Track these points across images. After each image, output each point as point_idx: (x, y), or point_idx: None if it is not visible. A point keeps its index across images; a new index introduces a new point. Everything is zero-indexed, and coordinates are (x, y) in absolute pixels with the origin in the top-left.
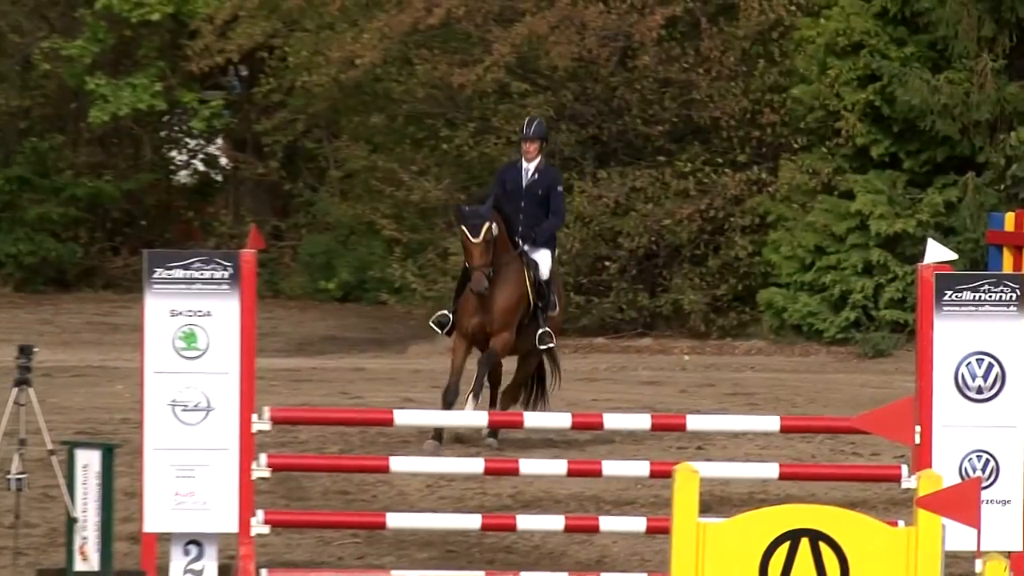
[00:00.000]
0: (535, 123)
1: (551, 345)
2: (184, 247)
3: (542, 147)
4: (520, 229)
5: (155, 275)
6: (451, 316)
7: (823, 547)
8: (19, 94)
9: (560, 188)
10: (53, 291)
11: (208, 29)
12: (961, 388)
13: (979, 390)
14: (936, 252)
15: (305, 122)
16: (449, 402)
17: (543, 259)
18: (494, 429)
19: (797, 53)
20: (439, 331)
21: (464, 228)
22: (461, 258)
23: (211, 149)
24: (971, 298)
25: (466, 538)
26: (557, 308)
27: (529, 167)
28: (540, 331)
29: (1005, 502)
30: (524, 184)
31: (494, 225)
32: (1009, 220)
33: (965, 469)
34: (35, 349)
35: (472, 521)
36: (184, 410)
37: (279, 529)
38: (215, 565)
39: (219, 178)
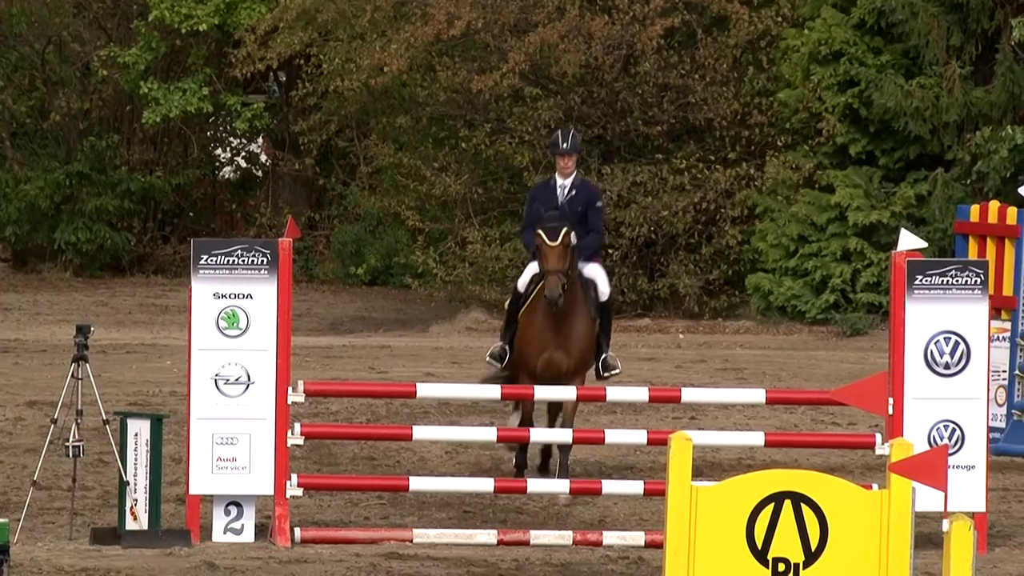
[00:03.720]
0: (570, 135)
1: (616, 372)
2: (227, 236)
3: (578, 161)
4: None
5: (201, 261)
6: (507, 349)
7: (804, 508)
8: (80, 98)
9: (600, 204)
10: (109, 276)
11: (250, 39)
12: (930, 364)
13: (946, 366)
14: (908, 241)
15: (338, 123)
16: (521, 467)
17: (600, 277)
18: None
19: (783, 61)
20: (497, 365)
21: (541, 232)
22: (479, 246)
23: (252, 147)
24: (939, 282)
25: (481, 500)
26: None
27: (565, 183)
28: (603, 356)
29: (970, 467)
30: (560, 203)
31: (572, 233)
32: (975, 212)
33: (933, 437)
34: (92, 329)
35: (486, 484)
36: (226, 383)
37: (311, 492)
38: (253, 524)
39: (259, 173)
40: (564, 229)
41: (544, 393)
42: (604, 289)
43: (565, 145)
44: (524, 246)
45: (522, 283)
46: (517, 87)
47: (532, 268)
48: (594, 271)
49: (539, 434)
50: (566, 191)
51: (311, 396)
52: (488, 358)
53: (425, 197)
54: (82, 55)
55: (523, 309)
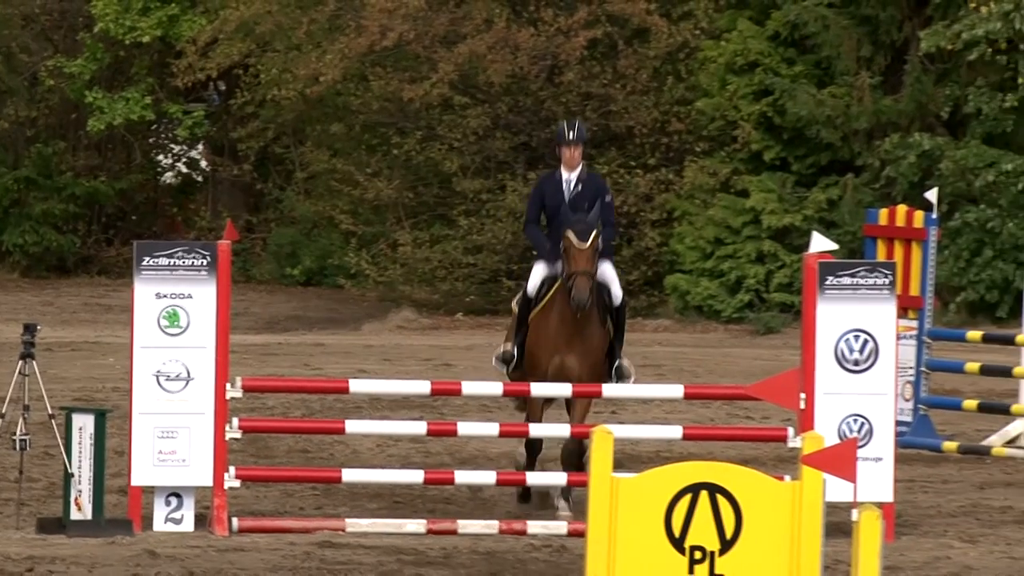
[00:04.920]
0: (576, 125)
1: (632, 380)
2: (168, 239)
3: (584, 153)
4: None
5: (143, 263)
6: (516, 353)
7: (720, 498)
8: (27, 106)
9: (609, 198)
10: (55, 277)
11: (191, 50)
12: (840, 361)
13: (856, 363)
14: (819, 243)
15: (275, 130)
16: (532, 461)
17: (613, 280)
18: (568, 489)
19: (701, 71)
20: (503, 369)
21: (571, 233)
22: (410, 248)
23: (193, 154)
24: (849, 283)
25: (411, 491)
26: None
27: (571, 177)
28: (617, 363)
29: (878, 459)
30: (567, 197)
31: (601, 237)
32: (883, 215)
33: (843, 431)
34: (38, 327)
35: (416, 476)
36: (167, 380)
37: (248, 483)
38: (192, 514)
39: (199, 179)
40: (595, 231)
41: (470, 389)
42: (617, 292)
43: (572, 135)
44: (530, 241)
45: (532, 286)
46: (447, 96)
47: (541, 270)
48: (607, 273)
49: (466, 428)
50: (572, 185)
51: (248, 392)
52: (495, 362)
53: (358, 201)
54: (30, 65)
55: (535, 312)
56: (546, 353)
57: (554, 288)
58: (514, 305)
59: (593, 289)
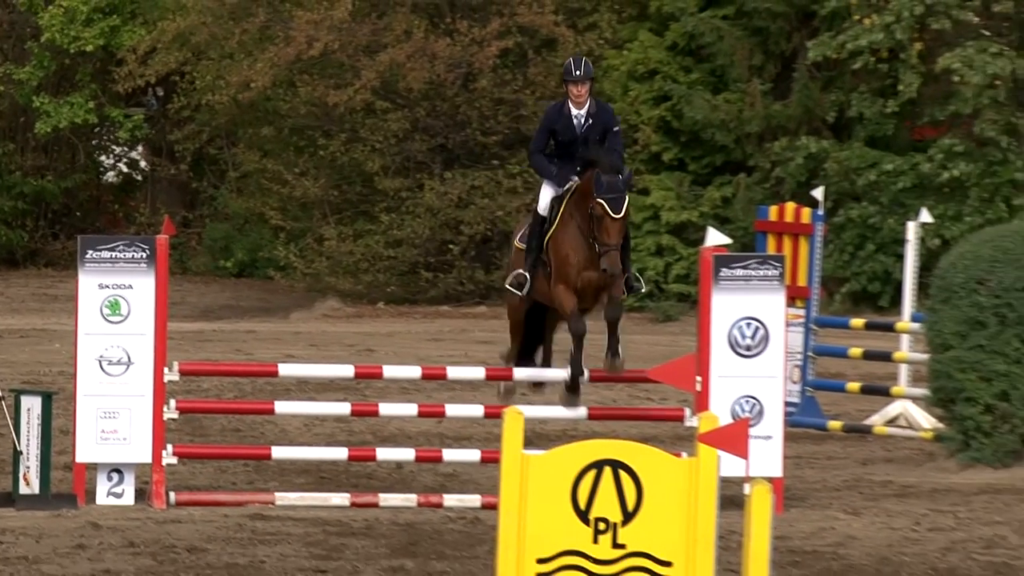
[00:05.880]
0: (582, 62)
1: (642, 290)
2: (111, 234)
3: (591, 89)
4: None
5: (87, 256)
6: (527, 276)
7: (622, 474)
8: None
9: (617, 128)
10: (4, 269)
11: (131, 58)
12: (733, 346)
13: (748, 348)
14: (714, 237)
15: (209, 133)
16: (581, 333)
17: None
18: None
19: (605, 78)
20: (518, 293)
21: (604, 203)
22: (335, 242)
23: (133, 154)
24: (742, 274)
25: (336, 467)
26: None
27: (580, 113)
28: (627, 275)
29: (768, 437)
30: (580, 132)
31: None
32: (773, 212)
33: (736, 411)
34: None
35: (340, 453)
36: (109, 364)
37: (185, 460)
38: (133, 489)
39: (139, 178)
40: (626, 201)
41: (391, 372)
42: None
43: (578, 72)
44: (536, 167)
45: (543, 207)
46: (369, 101)
47: (549, 191)
48: None
49: (387, 408)
50: (583, 120)
51: (185, 375)
52: (508, 286)
53: (287, 199)
54: None
55: (551, 234)
56: (573, 268)
57: (564, 203)
58: (517, 242)
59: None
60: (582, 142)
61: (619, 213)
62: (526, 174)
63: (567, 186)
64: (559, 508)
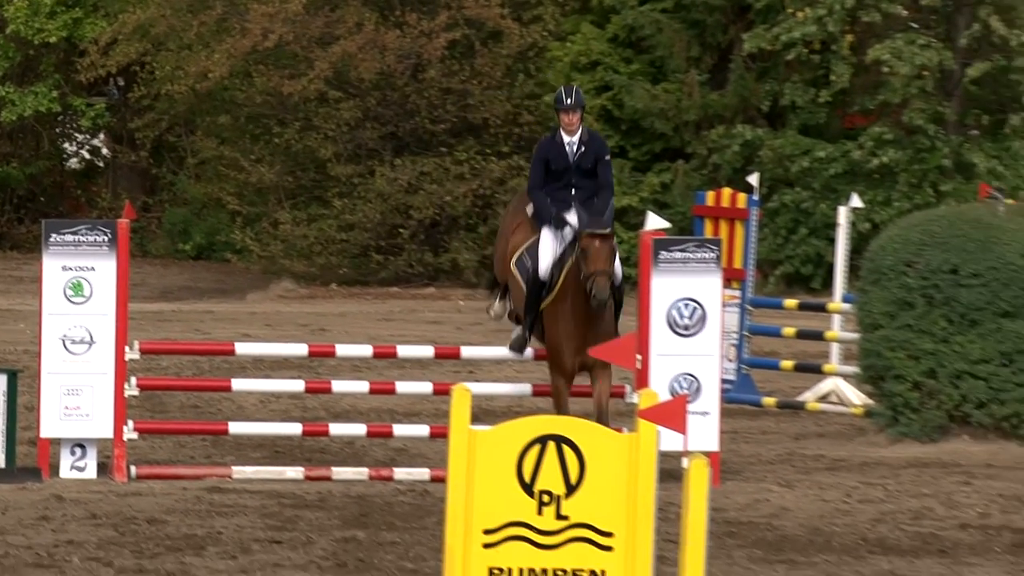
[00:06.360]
0: (573, 91)
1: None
2: (74, 218)
3: (583, 117)
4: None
5: (51, 239)
6: (528, 337)
7: (565, 448)
8: None
9: (608, 157)
10: None
11: (94, 49)
12: (672, 326)
13: (686, 327)
14: (654, 222)
15: (168, 121)
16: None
17: (617, 261)
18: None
19: (549, 69)
20: (519, 355)
21: (589, 233)
22: (289, 226)
23: (95, 142)
24: (680, 257)
25: (290, 441)
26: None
27: (573, 140)
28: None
29: (705, 413)
30: (572, 160)
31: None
32: (710, 197)
33: (674, 388)
34: None
35: (295, 428)
36: (72, 343)
37: (145, 435)
38: (95, 463)
39: (101, 164)
40: (610, 229)
41: (343, 351)
42: (619, 273)
43: (569, 100)
44: (535, 205)
45: (544, 269)
46: (322, 91)
47: (549, 248)
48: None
49: (340, 385)
50: (575, 147)
51: (145, 354)
52: (509, 350)
53: (243, 184)
54: None
55: (548, 302)
56: (569, 351)
57: (564, 273)
58: (513, 266)
59: (609, 287)
60: (575, 169)
61: (606, 228)
62: (473, 161)
63: (565, 232)
64: (505, 481)
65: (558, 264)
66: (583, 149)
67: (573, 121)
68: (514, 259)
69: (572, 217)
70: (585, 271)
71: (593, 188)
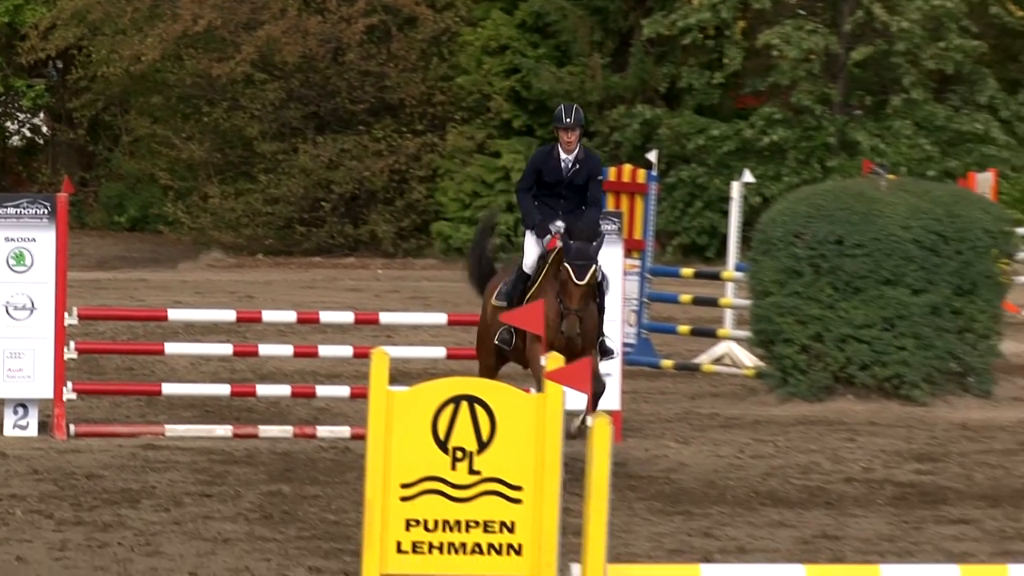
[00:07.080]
0: (573, 110)
1: (613, 357)
2: (15, 192)
3: (581, 136)
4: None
5: None
6: (513, 331)
7: (478, 408)
8: None
9: (601, 176)
10: None
11: (34, 33)
12: None
13: None
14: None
15: (104, 101)
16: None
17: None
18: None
19: (461, 53)
20: (506, 348)
21: (569, 267)
22: (218, 200)
23: (35, 121)
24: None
25: (219, 401)
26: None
27: (568, 158)
28: (600, 340)
29: (607, 375)
30: (565, 176)
31: (600, 268)
32: (612, 173)
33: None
34: None
35: (224, 389)
36: (15, 309)
37: (83, 396)
38: (36, 422)
39: (41, 142)
40: (592, 268)
41: (269, 317)
42: (605, 271)
43: (569, 120)
44: (521, 208)
45: (528, 265)
46: (248, 73)
47: (533, 249)
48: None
49: (266, 349)
50: (570, 165)
51: (83, 320)
52: (497, 343)
53: (175, 161)
54: None
55: (531, 292)
56: (551, 332)
57: (546, 267)
58: (495, 301)
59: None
60: (566, 184)
61: (582, 280)
62: (390, 139)
63: (546, 238)
64: (421, 439)
65: (542, 259)
66: (577, 167)
67: (571, 140)
68: (493, 296)
69: (558, 223)
70: (563, 306)
71: (581, 202)
